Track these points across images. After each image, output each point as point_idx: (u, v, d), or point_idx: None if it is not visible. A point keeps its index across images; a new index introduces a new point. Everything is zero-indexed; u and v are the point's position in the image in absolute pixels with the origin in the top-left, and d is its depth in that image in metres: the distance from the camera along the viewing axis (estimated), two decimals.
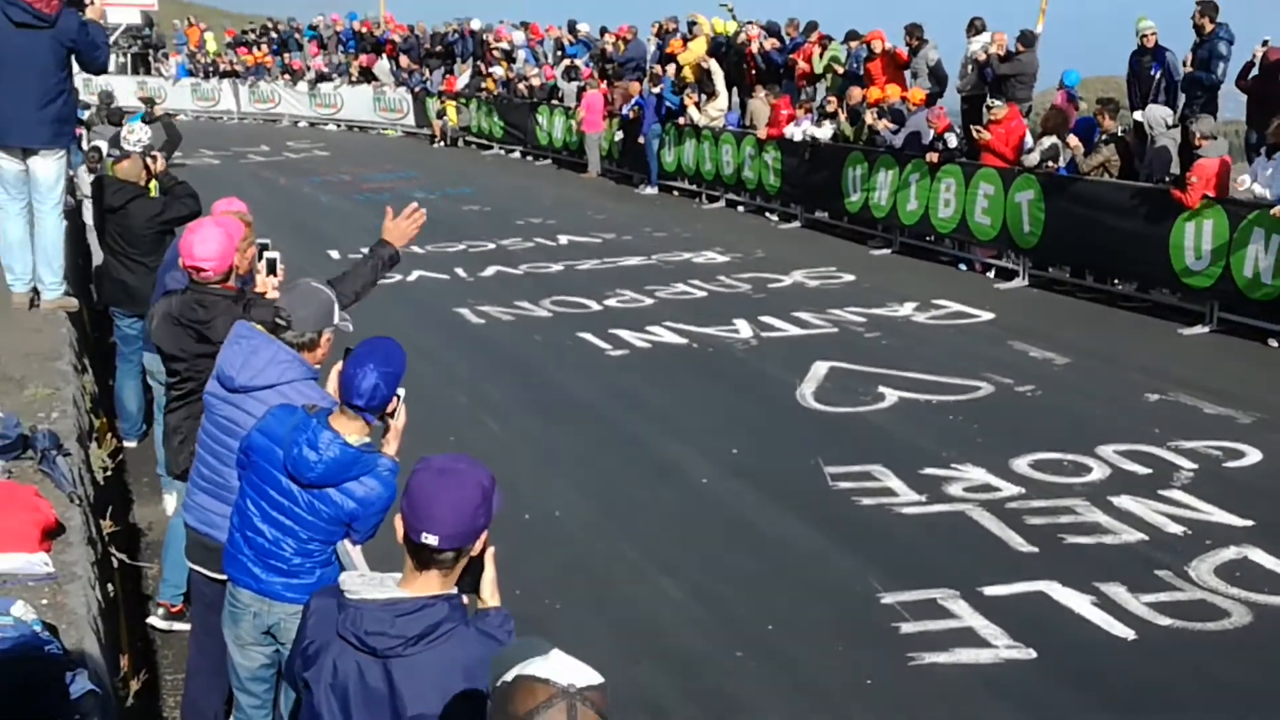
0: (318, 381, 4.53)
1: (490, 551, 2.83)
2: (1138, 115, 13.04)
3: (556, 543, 6.92)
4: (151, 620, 6.16)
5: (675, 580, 6.47)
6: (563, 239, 16.57)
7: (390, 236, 5.42)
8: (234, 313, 4.94)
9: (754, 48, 19.79)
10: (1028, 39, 15.66)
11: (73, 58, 8.20)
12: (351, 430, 4.00)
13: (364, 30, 33.88)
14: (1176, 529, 6.98)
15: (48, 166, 8.19)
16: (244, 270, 5.41)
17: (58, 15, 7.92)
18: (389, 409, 4.05)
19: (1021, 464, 7.92)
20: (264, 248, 5.55)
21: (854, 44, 18.19)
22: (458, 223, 17.89)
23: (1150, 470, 7.84)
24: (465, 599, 2.83)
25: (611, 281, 13.72)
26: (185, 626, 5.80)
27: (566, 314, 12.35)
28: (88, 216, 9.93)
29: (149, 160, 8.64)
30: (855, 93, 16.87)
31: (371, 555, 4.37)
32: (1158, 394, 9.48)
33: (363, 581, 2.81)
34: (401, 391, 4.09)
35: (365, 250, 5.53)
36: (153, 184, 8.60)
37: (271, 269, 5.47)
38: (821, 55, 18.77)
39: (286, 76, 34.92)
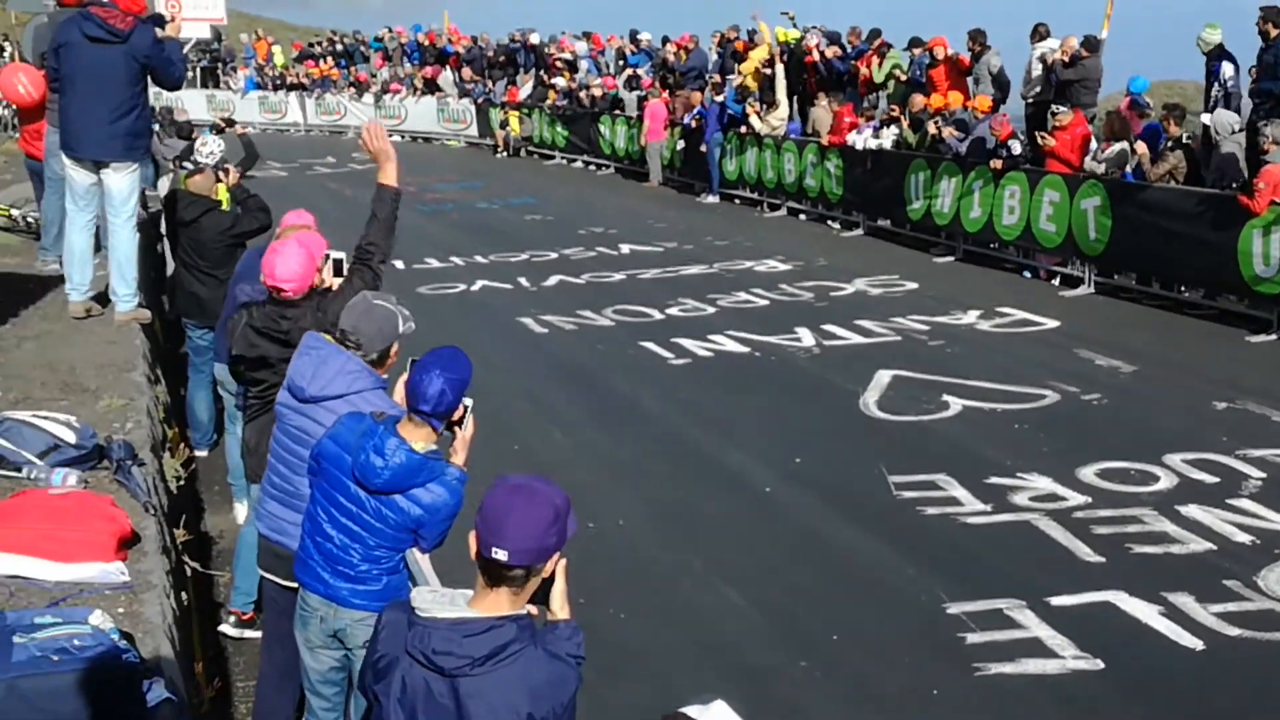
0: (386, 390, 4.61)
1: (562, 564, 2.84)
2: (1205, 119, 12.84)
3: (620, 551, 6.96)
4: (223, 628, 6.27)
5: (739, 589, 6.47)
6: (625, 248, 16.62)
7: (385, 178, 5.50)
8: (309, 313, 5.05)
9: (815, 55, 19.75)
10: (1092, 44, 15.47)
11: (148, 74, 8.36)
12: (418, 437, 4.06)
13: (428, 42, 34.21)
14: (1245, 538, 6.88)
15: (120, 180, 8.33)
16: (325, 286, 5.44)
17: (131, 31, 8.07)
18: (455, 417, 4.10)
19: (1088, 473, 7.83)
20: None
21: (916, 51, 18.08)
22: (521, 233, 18.02)
23: (1218, 479, 7.73)
24: (534, 610, 2.85)
25: (674, 290, 13.74)
26: (256, 634, 5.90)
27: (629, 323, 12.40)
28: (163, 228, 10.12)
29: (221, 173, 8.78)
30: (918, 100, 16.77)
31: (440, 565, 4.42)
32: (1226, 402, 9.33)
33: (434, 598, 2.84)
34: (469, 402, 4.14)
35: (371, 204, 5.56)
36: (224, 195, 8.73)
37: (338, 270, 5.60)
38: (881, 63, 18.68)
39: (352, 89, 35.38)
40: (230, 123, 13.20)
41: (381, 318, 4.58)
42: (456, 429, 4.16)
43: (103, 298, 8.82)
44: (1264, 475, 7.77)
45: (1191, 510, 7.24)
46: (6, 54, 31.84)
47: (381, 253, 5.44)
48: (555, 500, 2.78)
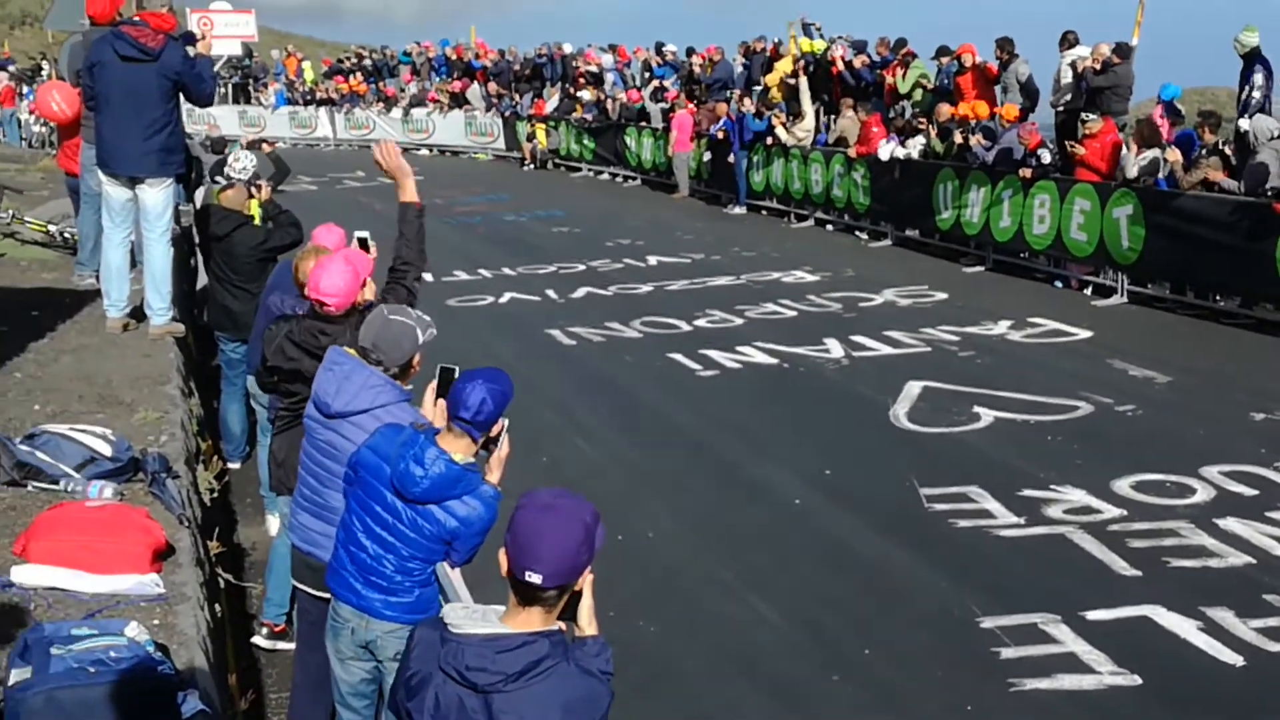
0: (411, 403, 4.62)
1: (589, 580, 2.84)
2: (1243, 124, 12.72)
3: (649, 564, 6.93)
4: (256, 640, 6.28)
5: (769, 602, 6.44)
6: (652, 260, 16.62)
7: (406, 195, 5.53)
8: (349, 331, 5.07)
9: (840, 64, 19.74)
10: (1123, 51, 15.38)
11: (180, 90, 8.45)
12: (458, 449, 4.08)
13: (455, 56, 34.43)
14: None
15: (155, 195, 8.45)
16: (366, 304, 5.43)
17: (162, 49, 8.19)
18: (494, 432, 4.11)
19: (1123, 485, 7.75)
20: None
21: (944, 60, 18.03)
22: (548, 245, 18.05)
23: (1257, 491, 7.62)
24: (564, 626, 2.84)
25: (701, 302, 13.72)
26: (289, 646, 5.92)
27: (657, 335, 12.39)
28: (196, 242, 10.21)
29: (254, 189, 8.85)
30: (944, 109, 16.72)
31: (471, 579, 4.41)
32: (1263, 413, 9.21)
33: (466, 614, 2.84)
34: (505, 421, 4.15)
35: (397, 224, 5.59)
36: (256, 210, 8.79)
37: (364, 246, 5.77)
38: (906, 73, 18.63)
39: (381, 104, 35.66)
40: (259, 141, 13.31)
41: (399, 332, 4.61)
42: (492, 447, 4.17)
43: (138, 312, 8.93)
44: None
45: (1230, 523, 7.14)
46: (45, 72, 32.28)
47: (415, 269, 5.49)
48: (585, 517, 2.78)
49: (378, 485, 4.16)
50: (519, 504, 2.78)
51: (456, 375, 4.20)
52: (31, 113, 26.98)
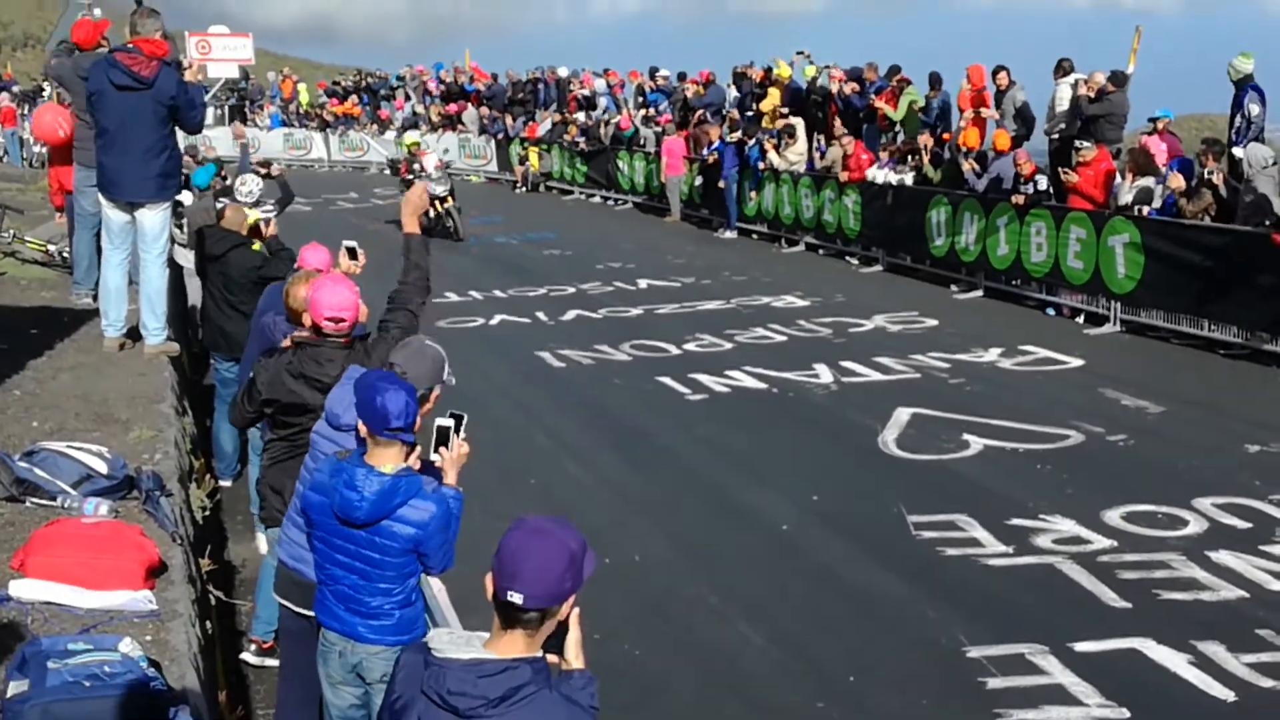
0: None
1: (575, 613, 2.84)
2: (1237, 152, 12.77)
3: (637, 587, 6.91)
4: (244, 656, 6.28)
5: (757, 627, 6.43)
6: (642, 283, 16.66)
7: (409, 227, 5.62)
8: (354, 359, 5.08)
9: (835, 89, 19.88)
10: (1118, 79, 15.48)
11: (174, 115, 8.59)
12: (386, 460, 4.16)
13: (450, 79, 34.70)
14: (1278, 586, 6.73)
15: (153, 218, 8.64)
16: (365, 334, 5.50)
17: (156, 77, 8.35)
18: (438, 436, 4.20)
19: (1114, 516, 7.74)
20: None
21: (933, 94, 18.18)
22: (539, 267, 18.08)
23: (1250, 524, 7.59)
24: (552, 659, 2.85)
25: (691, 325, 13.74)
26: (276, 662, 5.90)
27: (646, 358, 12.40)
28: (185, 261, 10.29)
29: (263, 225, 8.95)
30: (927, 139, 16.86)
31: (460, 604, 4.41)
32: (1259, 445, 9.17)
33: (450, 639, 2.85)
34: (449, 422, 4.24)
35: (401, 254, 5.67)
36: (258, 245, 8.90)
37: (352, 254, 6.08)
38: (896, 103, 18.74)
39: (374, 126, 35.88)
40: (267, 164, 13.50)
41: (432, 358, 4.66)
42: (443, 449, 4.24)
43: (133, 331, 9.07)
44: None
45: (1222, 556, 7.11)
46: (46, 94, 32.32)
47: (418, 294, 5.48)
48: (570, 543, 2.80)
49: (329, 520, 4.22)
50: (509, 527, 2.80)
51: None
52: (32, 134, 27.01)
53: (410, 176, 21.16)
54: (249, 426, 6.00)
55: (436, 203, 19.96)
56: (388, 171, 23.85)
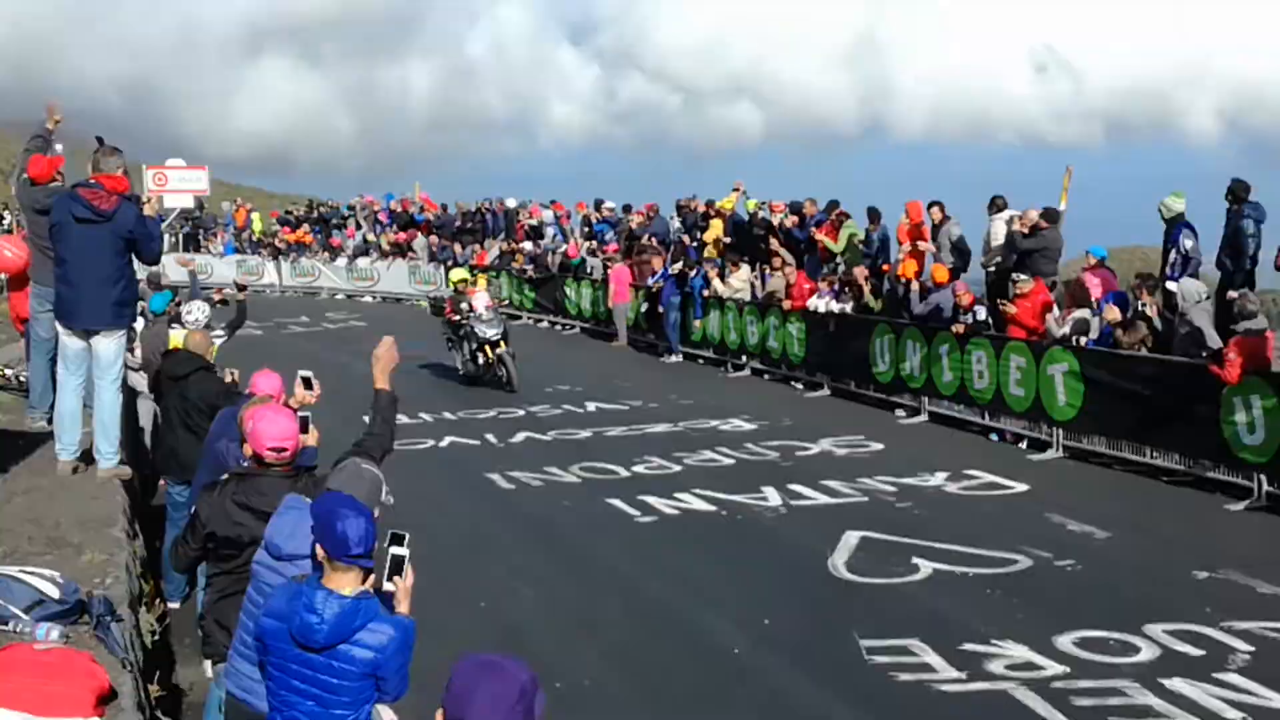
0: None
1: None
2: (1171, 286, 13.10)
3: (587, 713, 6.75)
4: None
5: None
6: (591, 406, 16.65)
7: (380, 383, 5.62)
8: (298, 490, 5.05)
9: (776, 221, 20.34)
10: (1051, 215, 15.93)
11: (132, 247, 8.75)
12: (344, 584, 4.12)
13: (399, 209, 35.19)
14: (1235, 715, 6.67)
15: (109, 345, 8.71)
16: (311, 466, 5.54)
17: (115, 210, 8.54)
18: (390, 568, 4.19)
19: (1065, 641, 7.68)
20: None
21: (872, 227, 18.64)
22: (488, 390, 18.02)
23: (1203, 651, 7.53)
24: None
25: (640, 448, 13.71)
26: None
27: (595, 480, 12.32)
28: (139, 385, 10.31)
29: (230, 373, 9.10)
30: (863, 271, 17.25)
31: None
32: (1207, 571, 9.13)
33: None
34: (405, 552, 4.24)
35: (370, 409, 5.68)
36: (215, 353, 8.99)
37: (308, 384, 6.19)
38: (836, 235, 19.18)
39: (325, 254, 36.39)
40: (242, 288, 13.82)
41: (370, 480, 4.68)
42: (397, 578, 4.24)
43: (87, 454, 9.06)
44: (1252, 649, 7.53)
45: (1176, 684, 7.03)
46: (6, 222, 32.23)
47: (379, 449, 5.43)
48: (521, 678, 2.81)
49: (286, 647, 4.16)
50: (458, 660, 2.79)
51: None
52: None
53: (457, 318, 18.85)
54: (193, 568, 5.92)
55: (488, 348, 18.04)
56: (429, 312, 20.90)
